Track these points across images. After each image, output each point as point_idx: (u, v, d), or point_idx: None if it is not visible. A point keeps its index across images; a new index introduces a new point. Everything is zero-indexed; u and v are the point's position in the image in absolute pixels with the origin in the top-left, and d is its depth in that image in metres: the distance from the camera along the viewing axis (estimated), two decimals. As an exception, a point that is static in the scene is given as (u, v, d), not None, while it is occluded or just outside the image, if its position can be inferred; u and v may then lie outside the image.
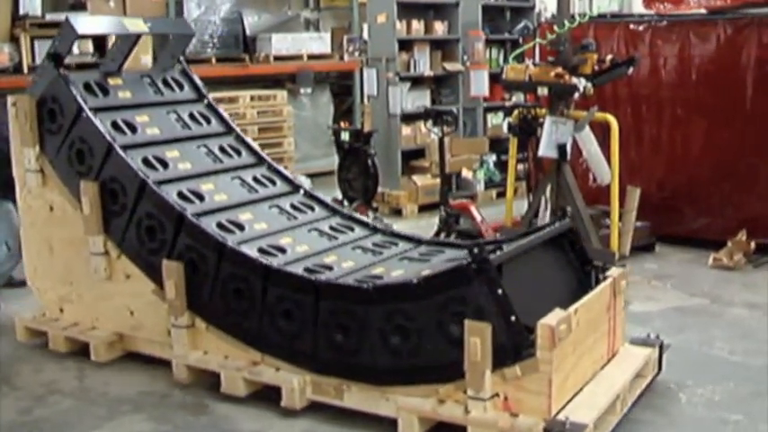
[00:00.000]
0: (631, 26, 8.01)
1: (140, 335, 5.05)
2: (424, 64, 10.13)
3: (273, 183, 5.40)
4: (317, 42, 11.68)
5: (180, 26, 5.55)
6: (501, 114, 10.93)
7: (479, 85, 10.03)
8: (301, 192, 5.43)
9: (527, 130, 6.74)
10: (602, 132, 6.61)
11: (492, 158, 10.49)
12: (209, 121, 5.57)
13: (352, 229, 5.19)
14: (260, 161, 5.53)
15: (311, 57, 11.46)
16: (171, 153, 5.15)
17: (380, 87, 9.66)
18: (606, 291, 4.50)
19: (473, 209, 7.24)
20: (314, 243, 4.91)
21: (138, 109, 5.30)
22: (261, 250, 4.67)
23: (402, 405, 4.14)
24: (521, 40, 8.90)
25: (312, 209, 5.30)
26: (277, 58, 11.28)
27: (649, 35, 7.88)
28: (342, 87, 12.40)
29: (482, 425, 3.95)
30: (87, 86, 5.17)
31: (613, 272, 4.66)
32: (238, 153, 5.48)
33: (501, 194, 8.78)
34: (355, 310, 4.24)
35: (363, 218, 5.38)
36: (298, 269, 4.53)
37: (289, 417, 4.41)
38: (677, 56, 7.71)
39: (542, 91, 6.47)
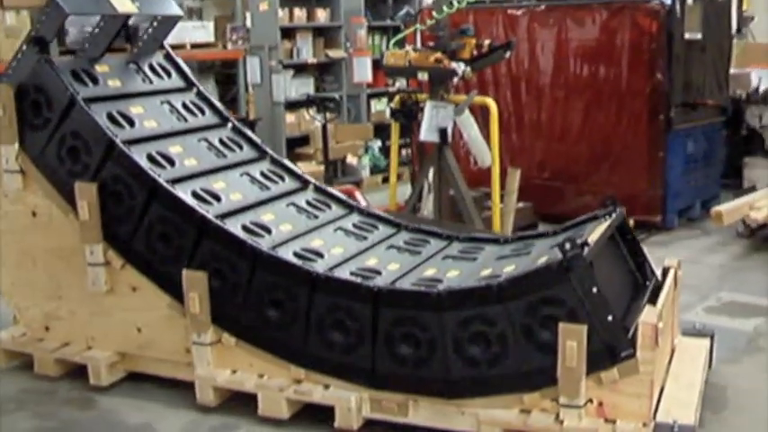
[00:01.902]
0: (509, 11, 8.21)
1: (150, 354, 4.48)
2: (306, 51, 10.24)
3: (282, 178, 4.91)
4: (200, 31, 11.17)
5: (167, 7, 4.96)
6: (384, 100, 11.01)
7: (362, 71, 10.16)
8: (311, 187, 4.97)
9: (408, 115, 6.74)
10: (482, 116, 6.71)
11: (376, 144, 10.64)
12: (203, 112, 5.02)
13: (376, 227, 4.78)
14: (262, 155, 5.03)
15: (194, 46, 10.91)
16: (174, 149, 4.59)
17: (264, 75, 9.71)
18: (672, 283, 4.27)
19: (358, 194, 7.10)
20: (346, 245, 4.47)
21: (131, 99, 4.70)
22: (297, 255, 4.20)
23: (484, 418, 3.78)
24: (402, 27, 9.00)
25: (329, 206, 4.85)
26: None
27: (527, 20, 8.12)
28: (226, 76, 12.01)
29: (579, 435, 3.64)
30: (75, 74, 4.53)
31: (671, 262, 4.43)
32: (239, 146, 4.96)
33: (386, 180, 8.80)
34: (423, 317, 3.84)
35: (386, 215, 4.95)
36: (344, 274, 4.09)
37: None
38: (555, 40, 7.95)
39: (422, 76, 6.55)
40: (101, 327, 4.54)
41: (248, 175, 4.76)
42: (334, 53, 10.47)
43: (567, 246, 3.63)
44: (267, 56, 9.64)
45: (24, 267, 4.67)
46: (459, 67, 6.21)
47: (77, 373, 4.59)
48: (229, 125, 5.07)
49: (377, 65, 9.66)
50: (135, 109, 4.63)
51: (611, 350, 3.63)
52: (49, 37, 4.42)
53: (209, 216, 4.17)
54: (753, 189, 8.32)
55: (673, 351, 4.39)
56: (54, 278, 4.61)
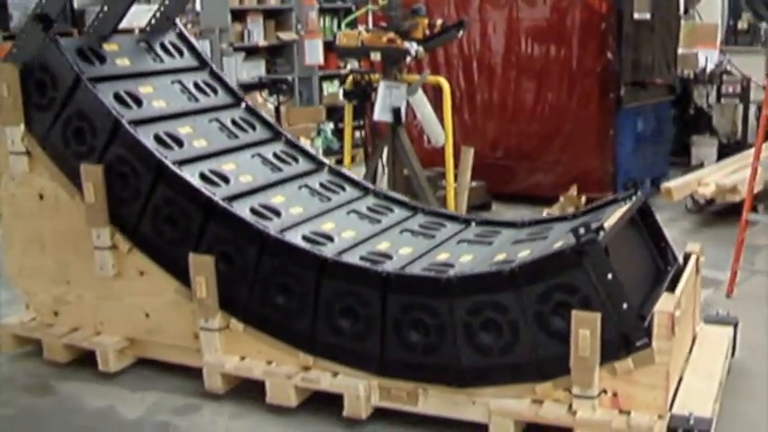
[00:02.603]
0: None
1: (158, 339, 4.39)
2: (257, 34, 10.29)
3: (296, 160, 4.79)
4: (148, 15, 11.08)
5: (177, -16, 4.87)
6: (336, 82, 11.05)
7: (314, 53, 10.23)
8: (326, 169, 4.85)
9: (362, 96, 6.73)
10: (435, 95, 6.74)
11: (329, 126, 10.62)
12: (215, 92, 4.90)
13: (391, 210, 4.64)
14: (276, 135, 4.91)
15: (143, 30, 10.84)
16: (183, 129, 4.48)
17: (215, 58, 9.56)
18: (693, 270, 4.11)
19: None
20: (359, 228, 4.34)
21: (140, 78, 4.60)
22: (306, 239, 4.09)
23: (495, 408, 3.64)
24: (354, 7, 8.92)
25: (342, 188, 4.72)
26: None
27: (479, 0, 8.14)
28: (176, 60, 12.07)
29: (593, 426, 3.50)
30: (81, 53, 4.44)
31: (693, 248, 4.26)
32: (252, 127, 4.85)
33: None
34: (433, 303, 3.70)
35: (401, 197, 4.82)
36: (354, 259, 3.97)
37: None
38: (506, 20, 8.03)
39: (375, 56, 6.54)
40: (109, 312, 4.46)
41: (260, 156, 4.65)
42: (286, 35, 10.51)
43: (582, 230, 3.48)
44: (218, 39, 9.66)
45: (32, 251, 4.60)
46: (412, 47, 6.26)
47: (87, 359, 4.53)
48: (243, 105, 4.96)
49: (328, 47, 9.80)
50: (144, 88, 4.53)
51: (625, 339, 3.47)
52: (53, 14, 4.32)
53: (216, 198, 4.06)
54: (701, 166, 8.70)
55: (694, 339, 4.23)
56: (62, 262, 4.53)
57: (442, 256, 4.09)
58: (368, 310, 3.82)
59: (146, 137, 4.23)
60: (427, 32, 6.39)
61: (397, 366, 3.82)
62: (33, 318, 4.71)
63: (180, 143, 4.37)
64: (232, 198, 4.17)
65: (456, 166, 6.66)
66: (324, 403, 3.99)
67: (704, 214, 7.71)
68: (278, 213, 4.22)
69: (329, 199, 4.56)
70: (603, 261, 3.46)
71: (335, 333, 3.90)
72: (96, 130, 4.24)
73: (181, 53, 4.95)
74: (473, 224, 4.58)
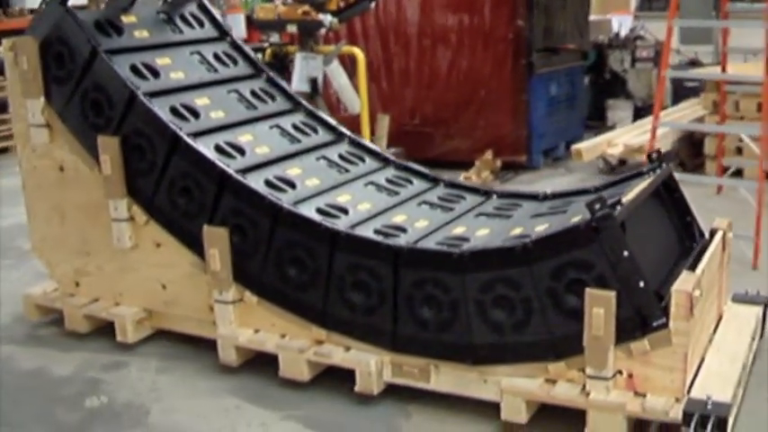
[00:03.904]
0: None
1: (175, 311, 4.39)
2: None
3: (315, 131, 4.73)
4: None
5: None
6: (259, 56, 10.97)
7: (236, 28, 10.28)
8: (347, 140, 4.77)
9: (280, 68, 6.84)
10: (351, 65, 6.88)
11: None
12: (235, 63, 4.86)
13: (410, 182, 4.56)
14: (296, 106, 4.85)
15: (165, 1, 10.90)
16: (201, 100, 4.44)
17: None
18: (719, 246, 3.96)
19: None
20: (375, 200, 4.27)
21: (158, 50, 4.56)
22: (320, 211, 4.03)
23: (507, 387, 3.56)
24: None
25: (362, 159, 4.65)
26: (33, 12, 10.46)
27: None
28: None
29: (607, 408, 3.39)
30: (98, 25, 4.42)
31: (720, 223, 4.11)
32: (272, 98, 4.79)
33: None
34: (445, 279, 3.63)
35: (422, 169, 4.73)
36: (367, 232, 3.91)
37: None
38: None
39: (291, 28, 6.75)
40: (128, 283, 4.47)
41: (279, 127, 4.59)
42: (209, 10, 10.81)
43: (597, 205, 3.36)
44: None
45: (53, 223, 4.62)
46: (327, 19, 6.45)
47: (107, 329, 4.55)
48: (264, 76, 4.90)
49: (251, 21, 9.85)
50: (161, 60, 4.50)
51: (642, 319, 3.36)
52: (71, -13, 4.31)
53: (230, 170, 4.02)
54: (614, 129, 8.83)
55: (720, 319, 4.09)
56: (82, 233, 4.55)
57: (458, 230, 4.00)
58: (380, 284, 3.75)
59: (161, 109, 4.19)
60: (341, 4, 6.59)
61: (409, 342, 3.76)
62: (56, 288, 4.74)
63: (196, 114, 4.33)
64: (247, 170, 4.13)
65: (372, 132, 6.84)
66: (338, 378, 3.95)
67: (616, 175, 7.50)
68: (293, 185, 4.17)
69: (347, 171, 4.49)
70: (619, 237, 3.34)
71: (348, 307, 3.85)
72: (112, 102, 4.22)
73: (201, 24, 4.90)
74: (494, 197, 4.48)
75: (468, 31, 8.12)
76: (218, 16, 5.01)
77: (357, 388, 3.84)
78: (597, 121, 9.85)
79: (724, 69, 7.38)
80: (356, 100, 6.65)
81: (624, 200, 3.51)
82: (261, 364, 4.13)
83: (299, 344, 3.98)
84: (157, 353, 4.42)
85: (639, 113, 9.60)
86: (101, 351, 4.47)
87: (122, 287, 4.50)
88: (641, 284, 3.35)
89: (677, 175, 7.17)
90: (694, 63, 10.27)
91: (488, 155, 7.76)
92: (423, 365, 3.75)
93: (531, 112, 8.17)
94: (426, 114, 8.38)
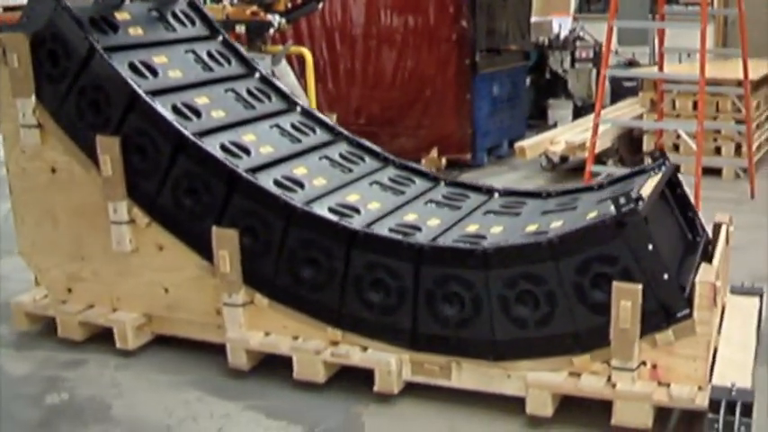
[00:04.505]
0: None
1: (178, 316, 4.28)
2: None
3: (314, 131, 4.69)
4: None
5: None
6: None
7: None
8: (345, 139, 4.75)
9: None
10: (299, 65, 7.16)
11: None
12: (229, 61, 4.78)
13: (413, 181, 4.56)
14: (292, 106, 4.80)
15: (7, 9, 10.54)
16: (200, 100, 4.36)
17: None
18: (724, 240, 4.06)
19: None
20: (383, 199, 4.25)
21: (154, 48, 4.46)
22: (332, 211, 3.99)
23: (533, 381, 3.58)
24: None
25: (362, 159, 4.63)
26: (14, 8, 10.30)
27: None
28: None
29: (633, 398, 3.45)
30: (93, 22, 4.29)
31: (722, 218, 4.21)
32: (268, 97, 4.74)
33: None
34: (468, 276, 3.63)
35: (422, 167, 4.73)
36: (383, 231, 3.89)
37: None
38: None
39: (240, 29, 6.75)
40: (126, 288, 4.36)
41: (278, 127, 4.54)
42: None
43: (622, 200, 3.42)
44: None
45: (44, 227, 4.47)
46: (275, 19, 6.52)
47: (103, 336, 4.43)
48: (257, 75, 4.84)
49: None
50: (158, 58, 4.40)
51: (666, 310, 3.42)
52: (65, -18, 4.18)
53: (240, 170, 3.96)
54: (555, 127, 9.19)
55: (723, 310, 4.19)
56: (76, 238, 4.41)
57: (472, 228, 4.02)
58: (400, 282, 3.74)
59: (163, 108, 4.10)
60: (289, 5, 6.68)
61: (429, 340, 3.75)
62: (45, 295, 4.59)
63: (198, 114, 4.25)
64: (254, 170, 4.07)
65: None
66: (351, 379, 3.92)
67: (558, 172, 8.19)
68: (301, 185, 4.12)
69: (350, 170, 4.46)
70: (644, 231, 3.40)
71: (366, 307, 3.83)
72: (112, 101, 4.11)
73: (193, 22, 4.82)
74: (496, 195, 4.51)
75: (413, 33, 8.32)
76: (209, 15, 4.91)
77: (376, 388, 3.81)
78: (539, 120, 10.16)
79: (661, 69, 7.69)
80: (304, 99, 6.63)
81: (644, 195, 3.57)
82: (221, 356, 4.14)
83: (314, 345, 3.93)
84: (116, 350, 4.36)
85: (579, 112, 9.90)
86: (58, 349, 4.43)
87: (120, 292, 4.38)
88: (665, 277, 3.41)
89: (618, 171, 7.49)
90: (632, 63, 10.63)
91: (434, 153, 7.85)
92: (444, 363, 3.75)
93: (475, 112, 8.42)
94: (372, 114, 8.52)
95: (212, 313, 4.16)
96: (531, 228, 3.89)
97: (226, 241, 3.97)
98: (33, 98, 4.28)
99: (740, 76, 7.37)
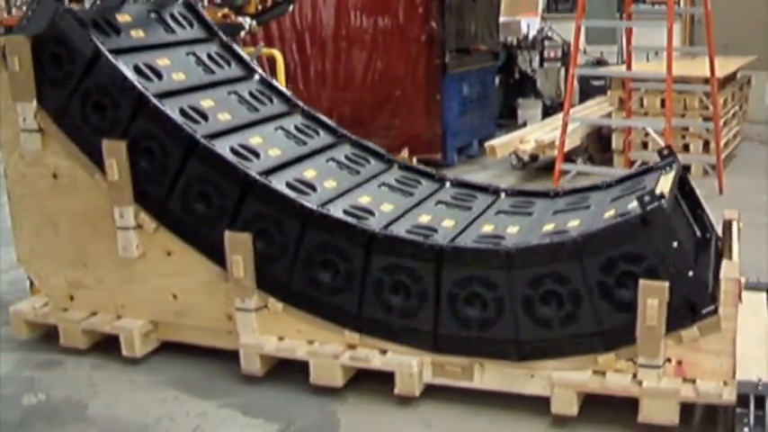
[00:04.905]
0: None
1: (186, 322, 4.21)
2: None
3: (317, 132, 4.65)
4: None
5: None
6: None
7: None
8: (347, 141, 4.72)
9: None
10: (269, 67, 6.98)
11: None
12: (229, 64, 4.72)
13: (419, 182, 4.54)
14: (294, 107, 4.76)
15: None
16: (206, 102, 4.30)
17: None
18: (738, 236, 4.10)
19: None
20: (395, 201, 4.23)
21: (156, 51, 4.39)
22: (347, 213, 3.96)
23: (559, 380, 3.59)
24: None
25: (367, 161, 4.60)
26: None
27: None
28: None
29: (660, 395, 3.47)
30: (96, 24, 4.20)
31: (731, 215, 4.26)
32: (269, 99, 4.69)
33: None
34: (491, 276, 3.62)
35: (426, 169, 4.72)
36: (402, 233, 3.86)
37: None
38: None
39: None
40: (132, 294, 4.27)
41: (283, 129, 4.49)
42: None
43: (647, 198, 3.44)
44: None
45: (45, 233, 4.36)
46: (246, 22, 6.40)
47: (105, 344, 4.34)
48: (256, 77, 4.79)
49: None
50: (161, 61, 4.32)
51: (691, 307, 3.45)
52: (68, -17, 4.09)
53: (254, 174, 3.90)
54: (525, 126, 9.28)
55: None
56: (79, 244, 4.31)
57: (488, 228, 4.01)
58: (421, 284, 3.72)
59: (171, 111, 4.03)
60: (259, 7, 6.60)
61: (451, 341, 3.74)
62: (45, 303, 4.48)
63: (205, 117, 4.19)
64: (266, 173, 4.01)
65: None
66: (368, 383, 3.89)
67: (528, 171, 8.33)
68: (313, 188, 4.08)
69: (358, 172, 4.43)
70: (669, 229, 3.43)
71: (385, 309, 3.80)
72: (119, 104, 4.03)
73: (191, 24, 4.75)
74: (503, 195, 4.51)
75: (383, 34, 8.38)
76: (207, 17, 4.84)
77: (397, 391, 3.78)
78: (508, 120, 10.26)
79: (629, 68, 7.81)
80: None
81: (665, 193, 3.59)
82: (197, 356, 4.20)
83: (332, 349, 3.89)
84: (92, 351, 4.35)
85: (548, 112, 10.02)
86: (33, 351, 4.41)
87: (125, 299, 4.29)
88: (690, 274, 3.44)
89: (587, 169, 7.66)
90: (600, 62, 10.76)
91: (404, 153, 7.75)
92: (466, 364, 3.74)
93: (445, 112, 8.51)
94: (343, 115, 8.42)
95: (223, 319, 4.09)
96: (548, 227, 3.89)
97: (239, 245, 3.91)
98: (35, 102, 4.17)
99: (707, 73, 7.49)
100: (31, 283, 4.75)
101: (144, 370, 4.19)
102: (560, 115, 7.73)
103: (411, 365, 3.75)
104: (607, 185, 4.33)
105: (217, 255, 4.01)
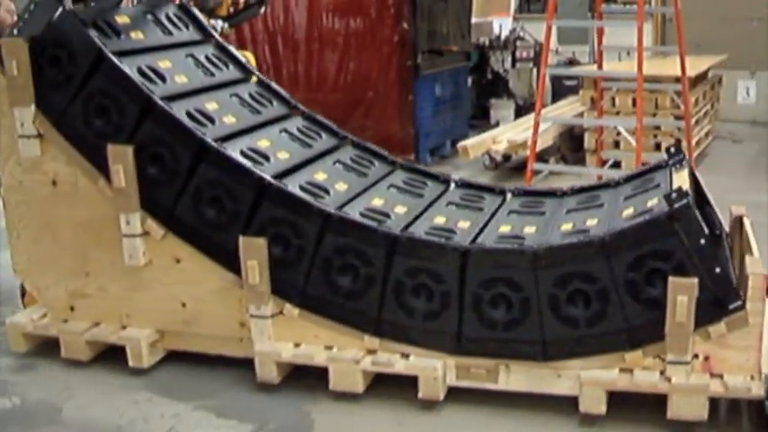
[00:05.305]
0: None
1: (195, 330, 4.10)
2: None
3: (319, 135, 4.58)
4: None
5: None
6: None
7: None
8: (350, 143, 4.65)
9: None
10: None
11: None
12: (226, 65, 4.62)
13: (425, 184, 4.50)
14: (294, 109, 4.70)
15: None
16: (210, 105, 4.19)
17: None
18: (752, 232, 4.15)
19: None
20: (406, 203, 4.18)
21: (157, 53, 4.27)
22: (364, 216, 3.90)
23: (587, 379, 3.58)
24: None
25: (372, 162, 4.54)
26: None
27: None
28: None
29: (689, 391, 3.49)
30: (96, 26, 4.07)
31: (739, 210, 4.30)
32: (270, 101, 4.61)
33: None
34: (517, 276, 3.60)
35: (429, 170, 4.68)
36: (423, 236, 3.81)
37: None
38: None
39: None
40: (137, 303, 4.14)
41: (287, 131, 4.41)
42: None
43: (674, 196, 3.45)
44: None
45: (43, 243, 4.21)
46: (218, 24, 6.37)
47: (109, 355, 4.21)
48: (254, 79, 4.70)
49: None
50: (163, 63, 4.21)
51: (718, 303, 3.48)
52: (68, -16, 3.96)
53: (269, 178, 3.82)
54: (497, 127, 9.30)
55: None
56: (80, 253, 4.17)
57: (505, 229, 3.99)
58: (444, 286, 3.68)
59: (178, 114, 3.92)
60: (231, 10, 6.55)
61: (475, 343, 3.71)
62: (43, 314, 4.33)
63: (212, 120, 4.09)
64: (279, 177, 3.93)
65: None
66: (388, 388, 3.84)
67: (500, 171, 8.35)
68: (327, 191, 4.01)
69: (365, 174, 4.38)
70: (697, 226, 3.45)
71: (407, 313, 3.75)
72: (125, 108, 3.91)
73: (186, 26, 4.64)
74: (509, 195, 4.50)
75: (355, 35, 8.36)
76: (201, 18, 4.73)
77: (421, 395, 3.74)
78: (481, 120, 10.28)
79: (600, 67, 7.86)
80: None
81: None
82: (171, 359, 4.19)
83: (352, 354, 3.83)
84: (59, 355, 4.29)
85: (520, 112, 10.05)
86: (6, 355, 4.34)
87: (130, 308, 4.17)
88: (717, 270, 3.46)
89: (559, 168, 7.70)
90: (572, 62, 10.82)
91: None
92: (491, 366, 3.71)
93: (418, 112, 8.50)
94: None
95: (235, 326, 4.00)
96: (567, 226, 3.89)
97: (254, 251, 3.83)
98: (33, 107, 4.03)
99: (678, 72, 7.57)
100: (23, 294, 4.61)
101: (117, 373, 4.14)
102: (533, 115, 7.76)
103: (436, 369, 3.71)
104: (616, 183, 4.35)
105: (229, 260, 3.91)
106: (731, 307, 3.47)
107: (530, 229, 3.96)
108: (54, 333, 4.25)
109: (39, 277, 4.29)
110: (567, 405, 3.66)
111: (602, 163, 7.73)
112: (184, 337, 4.16)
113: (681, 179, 3.88)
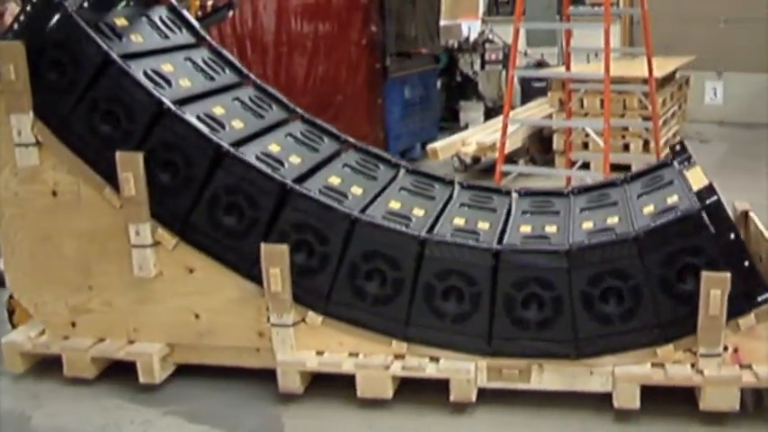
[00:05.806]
0: None
1: (210, 342, 3.96)
2: None
3: (322, 139, 4.49)
4: None
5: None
6: None
7: None
8: (352, 146, 4.59)
9: None
10: None
11: None
12: (223, 69, 4.49)
13: (432, 186, 4.46)
14: (293, 113, 4.60)
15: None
16: (217, 110, 4.06)
17: None
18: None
19: None
20: (422, 205, 4.12)
21: (158, 56, 4.12)
22: (387, 220, 3.83)
23: (621, 375, 3.60)
24: None
25: (377, 166, 4.48)
26: None
27: None
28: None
29: (722, 383, 3.55)
30: (97, 28, 3.90)
31: (744, 205, 4.40)
32: (269, 105, 4.50)
33: None
34: (550, 276, 3.60)
35: (432, 173, 4.64)
36: (451, 239, 3.77)
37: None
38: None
39: None
40: (146, 317, 3.98)
41: (291, 135, 4.32)
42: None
43: (705, 192, 3.51)
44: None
45: (40, 256, 4.01)
46: None
47: (113, 372, 4.04)
48: (250, 83, 4.58)
49: None
50: (165, 67, 4.06)
51: (748, 295, 3.55)
52: (70, -15, 3.77)
53: (291, 183, 3.72)
54: (467, 129, 9.28)
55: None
56: (82, 266, 3.98)
57: (526, 229, 3.98)
58: (475, 288, 3.65)
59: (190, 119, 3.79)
60: (199, 13, 6.46)
61: (507, 344, 3.69)
62: (41, 331, 4.12)
63: (222, 125, 3.96)
64: (297, 181, 3.83)
65: None
66: (415, 392, 3.80)
67: (470, 173, 8.33)
68: (345, 195, 3.93)
69: (375, 178, 4.31)
70: (727, 221, 3.52)
71: (437, 316, 3.71)
72: (134, 113, 3.75)
73: (180, 29, 4.49)
74: (515, 195, 4.50)
75: (324, 38, 8.22)
76: (193, 22, 4.59)
77: (453, 398, 3.71)
78: (450, 123, 10.26)
79: (568, 69, 7.93)
80: None
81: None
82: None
83: (380, 360, 3.76)
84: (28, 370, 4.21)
85: (490, 114, 10.06)
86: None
87: (138, 322, 4.00)
88: (746, 263, 3.53)
89: (528, 170, 7.77)
90: (541, 64, 10.80)
91: None
92: (524, 366, 3.70)
93: (387, 115, 8.42)
94: None
95: (253, 337, 3.89)
96: (588, 225, 3.90)
97: (277, 258, 3.72)
98: (31, 114, 3.83)
99: (646, 74, 7.59)
100: (10, 313, 4.37)
101: (87, 381, 4.04)
102: (501, 118, 7.80)
103: (468, 371, 3.68)
104: (621, 181, 4.39)
105: (247, 268, 3.80)
106: (760, 299, 3.54)
107: (551, 228, 3.97)
108: (56, 351, 4.05)
109: (36, 293, 4.08)
110: (597, 402, 3.68)
111: (571, 164, 7.77)
112: (197, 350, 4.02)
113: (695, 176, 3.94)
